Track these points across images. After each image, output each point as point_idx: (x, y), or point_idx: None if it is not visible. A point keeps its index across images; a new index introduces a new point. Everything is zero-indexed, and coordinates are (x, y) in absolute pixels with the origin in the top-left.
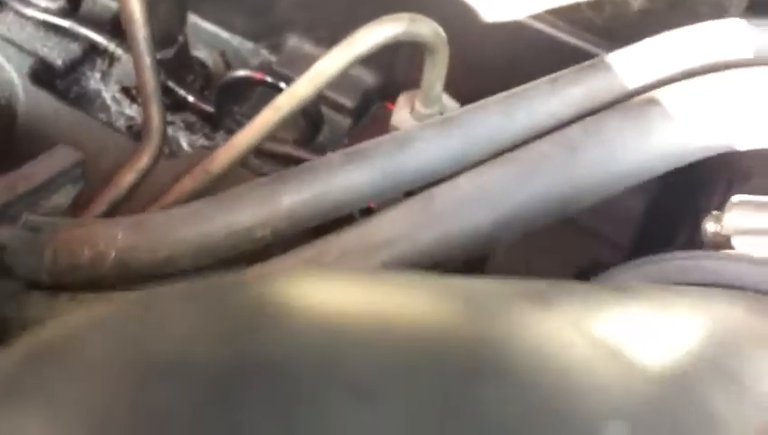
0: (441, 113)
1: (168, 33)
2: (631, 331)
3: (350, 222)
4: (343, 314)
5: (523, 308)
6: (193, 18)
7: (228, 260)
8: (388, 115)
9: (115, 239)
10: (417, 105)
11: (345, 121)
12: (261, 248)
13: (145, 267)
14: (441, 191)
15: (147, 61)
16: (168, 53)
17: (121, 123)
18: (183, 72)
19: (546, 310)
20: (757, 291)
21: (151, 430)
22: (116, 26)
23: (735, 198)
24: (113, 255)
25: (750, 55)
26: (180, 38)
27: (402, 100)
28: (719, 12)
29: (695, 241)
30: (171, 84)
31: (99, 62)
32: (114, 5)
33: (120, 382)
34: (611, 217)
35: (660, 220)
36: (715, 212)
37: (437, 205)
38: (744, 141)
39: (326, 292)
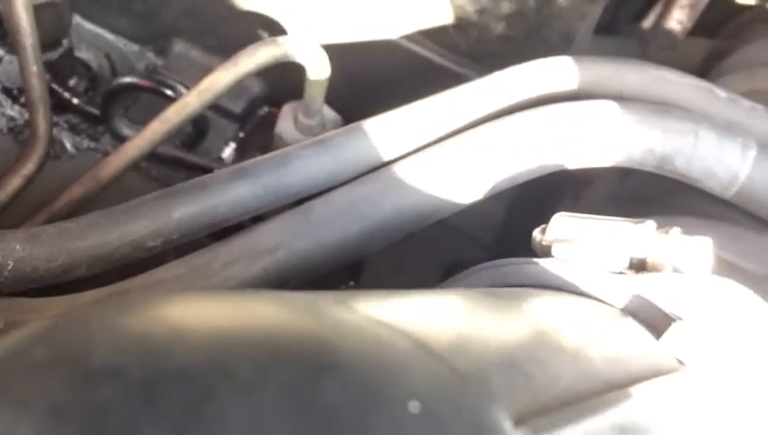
0: (322, 124)
1: (52, 37)
2: (445, 328)
3: (239, 228)
4: (224, 330)
5: (353, 314)
6: (77, 19)
7: (120, 267)
8: (273, 120)
9: (13, 251)
10: (300, 116)
11: (231, 126)
12: (154, 256)
13: (42, 276)
14: (318, 204)
15: (34, 68)
16: (53, 55)
17: (2, 124)
18: (67, 74)
19: (361, 314)
20: (567, 291)
21: (93, 421)
22: None
23: (556, 215)
24: (11, 265)
25: (573, 88)
26: (65, 41)
27: (286, 109)
28: (568, 39)
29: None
30: (55, 86)
31: None
32: None
33: (67, 381)
34: (476, 219)
35: (518, 220)
36: (542, 226)
37: (314, 216)
38: (571, 162)
39: (208, 312)
